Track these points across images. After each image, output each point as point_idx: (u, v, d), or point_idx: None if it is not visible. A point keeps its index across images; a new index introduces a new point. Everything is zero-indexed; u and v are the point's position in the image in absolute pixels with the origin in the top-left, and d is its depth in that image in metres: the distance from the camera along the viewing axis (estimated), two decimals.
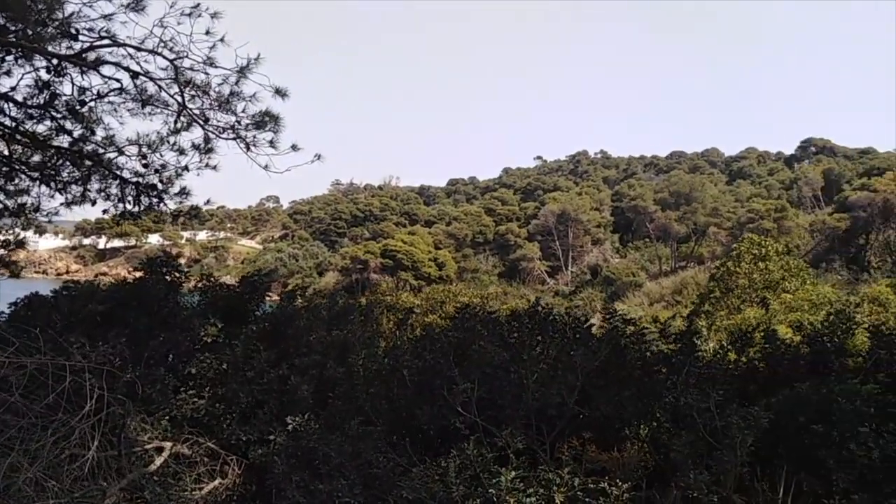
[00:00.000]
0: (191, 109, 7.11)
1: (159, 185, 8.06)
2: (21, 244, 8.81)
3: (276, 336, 7.33)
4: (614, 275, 58.77)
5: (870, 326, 6.66)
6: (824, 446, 4.63)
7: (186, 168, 7.85)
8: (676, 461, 4.60)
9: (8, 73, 7.02)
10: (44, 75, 7.12)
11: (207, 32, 6.63)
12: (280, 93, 6.85)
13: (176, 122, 7.33)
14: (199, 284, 8.05)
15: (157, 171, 7.95)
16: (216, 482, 5.34)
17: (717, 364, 6.08)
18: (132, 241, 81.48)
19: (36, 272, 72.72)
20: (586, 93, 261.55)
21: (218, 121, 7.20)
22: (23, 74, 7.04)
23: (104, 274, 64.01)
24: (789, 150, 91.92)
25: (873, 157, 73.17)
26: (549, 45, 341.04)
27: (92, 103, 7.37)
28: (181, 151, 7.67)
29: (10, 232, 8.69)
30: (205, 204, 8.80)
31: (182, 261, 8.52)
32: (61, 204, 8.25)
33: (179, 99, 7.00)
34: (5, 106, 7.24)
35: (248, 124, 7.07)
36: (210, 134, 7.36)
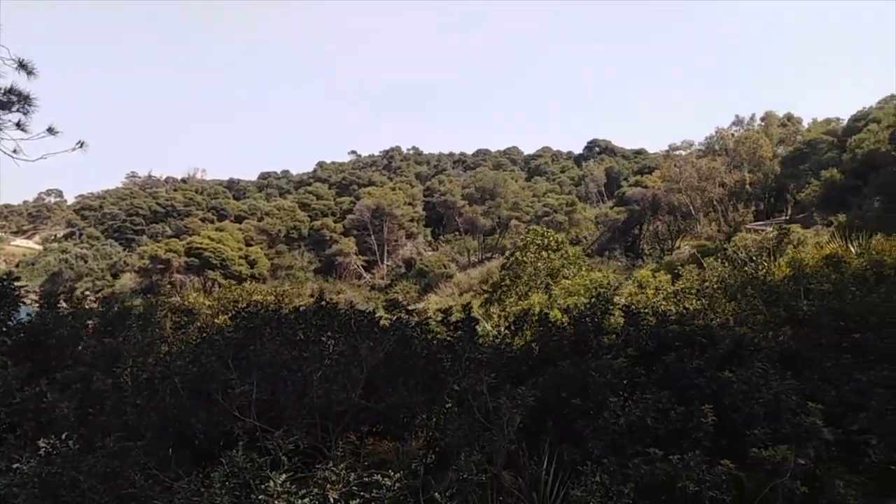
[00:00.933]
0: None
1: None
2: None
3: (33, 348, 6.73)
4: (427, 267, 61.13)
5: (623, 307, 7.49)
6: (581, 418, 5.01)
7: None
8: (450, 444, 4.68)
9: None
10: None
11: None
12: (25, 67, 5.83)
13: None
14: None
15: None
16: None
17: (495, 348, 6.29)
18: None
19: None
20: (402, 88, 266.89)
21: None
22: None
23: None
24: (578, 149, 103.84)
25: (645, 157, 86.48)
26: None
27: None
28: None
29: None
30: None
31: None
32: None
33: None
34: None
35: None
36: None
